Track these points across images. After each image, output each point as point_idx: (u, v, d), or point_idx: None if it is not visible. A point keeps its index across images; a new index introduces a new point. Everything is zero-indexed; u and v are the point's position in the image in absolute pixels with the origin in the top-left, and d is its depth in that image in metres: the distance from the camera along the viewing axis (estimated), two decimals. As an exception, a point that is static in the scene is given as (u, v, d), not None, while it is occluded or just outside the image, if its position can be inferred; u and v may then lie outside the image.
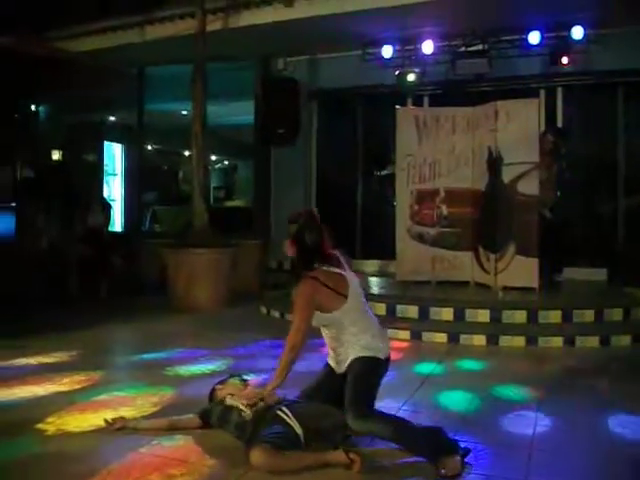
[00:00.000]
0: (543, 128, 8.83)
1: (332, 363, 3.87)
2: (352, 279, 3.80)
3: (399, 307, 7.39)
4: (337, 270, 3.78)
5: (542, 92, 10.23)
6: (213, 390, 4.08)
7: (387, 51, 10.36)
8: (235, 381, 4.11)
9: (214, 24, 9.78)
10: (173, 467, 3.41)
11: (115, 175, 14.90)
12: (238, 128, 13.87)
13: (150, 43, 10.77)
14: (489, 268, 8.31)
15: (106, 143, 14.87)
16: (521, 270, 8.00)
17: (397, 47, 10.37)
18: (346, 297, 3.70)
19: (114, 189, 14.81)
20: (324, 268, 3.76)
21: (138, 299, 9.62)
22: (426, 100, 11.07)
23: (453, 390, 4.96)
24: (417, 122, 8.82)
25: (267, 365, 4.98)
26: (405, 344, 6.71)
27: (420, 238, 8.66)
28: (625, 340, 6.73)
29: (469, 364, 5.98)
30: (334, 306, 3.70)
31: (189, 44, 9.13)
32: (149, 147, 15.10)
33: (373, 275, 9.93)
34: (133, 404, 4.51)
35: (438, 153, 8.77)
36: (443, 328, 6.96)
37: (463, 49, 10.03)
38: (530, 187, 8.05)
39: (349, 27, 9.85)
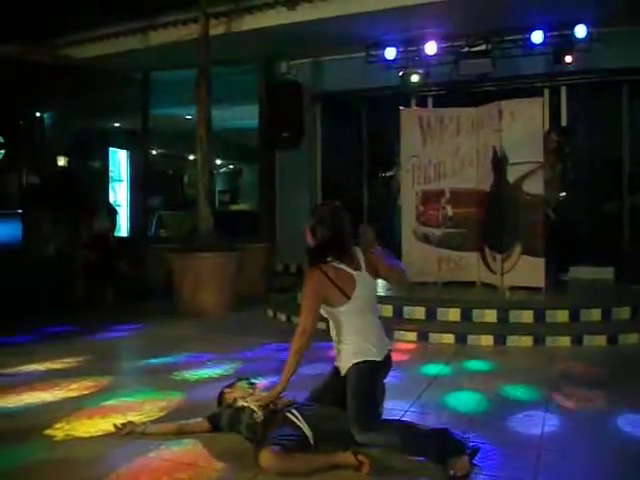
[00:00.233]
0: (547, 127, 8.82)
1: (336, 363, 3.87)
2: (363, 280, 3.78)
3: (406, 308, 7.38)
4: (348, 269, 3.76)
5: (546, 91, 10.21)
6: (221, 393, 4.09)
7: (390, 53, 10.36)
8: (243, 384, 4.12)
9: (217, 28, 9.80)
10: (182, 471, 3.42)
11: (121, 181, 14.94)
12: (242, 132, 13.91)
13: (154, 49, 10.80)
14: (495, 268, 8.29)
15: (111, 149, 14.92)
16: (527, 270, 7.97)
17: (400, 48, 10.37)
18: (349, 298, 3.70)
19: (120, 195, 14.85)
20: (335, 264, 3.76)
21: (144, 304, 9.63)
22: (430, 101, 11.07)
23: (461, 391, 4.95)
24: (421, 123, 8.82)
25: (274, 368, 4.98)
26: (412, 345, 6.70)
27: (426, 239, 8.65)
28: (633, 338, 6.71)
29: (477, 365, 5.97)
30: (335, 303, 3.71)
31: (192, 49, 9.15)
32: (154, 152, 15.15)
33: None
34: (141, 409, 4.51)
35: (443, 154, 8.75)
36: (450, 329, 6.95)
37: (466, 49, 10.02)
38: (535, 186, 8.03)
39: (352, 29, 9.87)
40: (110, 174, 14.68)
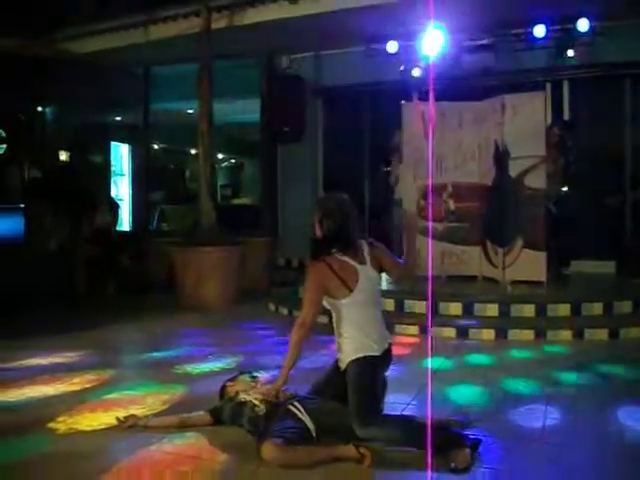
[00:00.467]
0: (549, 121, 8.81)
1: (338, 357, 3.88)
2: (366, 274, 3.77)
3: (407, 302, 7.38)
4: (352, 262, 3.76)
5: (548, 85, 10.18)
6: (224, 387, 4.10)
7: (392, 46, 10.32)
8: (245, 378, 4.14)
9: (219, 22, 9.77)
10: (184, 464, 3.43)
11: (122, 175, 14.92)
12: (244, 126, 13.88)
13: (154, 43, 10.77)
14: (497, 262, 8.29)
15: (113, 143, 14.90)
16: (529, 264, 7.98)
17: (402, 42, 10.34)
18: (351, 291, 3.70)
19: (122, 189, 14.84)
20: (340, 256, 3.76)
21: (146, 298, 9.65)
22: (432, 95, 11.03)
23: (462, 384, 4.96)
24: (423, 117, 8.80)
25: (276, 362, 4.99)
26: (414, 339, 6.71)
27: (427, 233, 8.64)
28: (635, 332, 6.72)
29: (478, 358, 5.98)
30: (337, 295, 3.71)
31: (194, 43, 9.14)
32: (155, 146, 15.12)
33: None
34: (143, 402, 4.53)
35: (445, 148, 8.74)
36: (452, 323, 6.96)
37: (469, 43, 10.00)
38: (537, 181, 8.02)
39: (353, 23, 9.83)
40: (112, 168, 14.65)
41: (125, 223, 13.89)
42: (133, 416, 4.05)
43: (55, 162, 13.37)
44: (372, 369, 3.71)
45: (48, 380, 5.13)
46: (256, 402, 3.73)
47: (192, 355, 6.05)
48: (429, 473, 3.22)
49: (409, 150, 8.82)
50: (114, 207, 10.79)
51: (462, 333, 6.79)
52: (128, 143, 14.82)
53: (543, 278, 7.94)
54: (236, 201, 17.15)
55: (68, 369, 5.49)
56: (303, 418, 3.54)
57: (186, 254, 8.84)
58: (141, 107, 12.90)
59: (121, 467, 3.40)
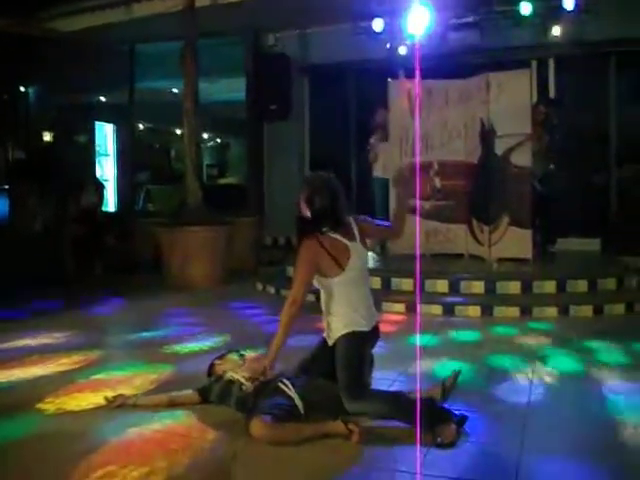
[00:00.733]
0: (535, 99, 8.82)
1: (325, 334, 3.90)
2: (357, 251, 3.79)
3: (394, 280, 7.42)
4: (343, 240, 3.76)
5: (534, 63, 10.19)
6: (212, 365, 4.11)
7: (378, 24, 10.29)
8: (233, 356, 4.15)
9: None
10: (174, 442, 3.45)
11: (107, 155, 14.83)
12: (230, 105, 13.82)
13: (138, 21, 10.69)
14: (483, 240, 8.33)
15: (97, 123, 14.79)
16: (515, 241, 8.02)
17: (388, 20, 10.29)
18: (343, 269, 3.71)
19: (106, 169, 14.75)
20: (331, 234, 3.77)
21: (133, 278, 9.63)
22: (418, 73, 11.00)
23: (449, 361, 5.00)
24: (409, 95, 8.78)
25: (265, 340, 5.01)
26: (401, 317, 6.76)
27: (413, 212, 8.64)
28: (619, 309, 6.80)
29: (464, 335, 6.03)
30: (329, 274, 3.72)
31: (178, 21, 9.05)
32: (141, 126, 15.04)
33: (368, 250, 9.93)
34: (132, 382, 4.53)
35: (431, 126, 8.74)
36: (438, 300, 7.00)
37: (454, 21, 9.98)
38: (523, 158, 8.04)
39: (340, 0, 9.77)
40: (96, 148, 14.56)
41: (111, 203, 13.83)
42: (121, 395, 4.05)
43: (39, 143, 13.28)
44: (361, 344, 3.74)
45: (36, 361, 5.12)
46: (243, 380, 3.75)
47: (180, 335, 6.06)
48: (418, 448, 3.26)
49: (395, 128, 8.81)
50: (99, 187, 10.73)
51: (448, 310, 6.84)
52: (113, 123, 14.71)
53: (529, 255, 7.99)
54: (222, 181, 17.14)
55: (56, 350, 5.48)
56: (292, 395, 3.56)
57: (172, 234, 8.82)
58: (126, 86, 12.81)
59: (111, 446, 3.41)
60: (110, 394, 4.07)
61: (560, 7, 9.36)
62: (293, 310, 3.68)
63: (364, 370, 3.74)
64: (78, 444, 3.45)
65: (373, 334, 3.85)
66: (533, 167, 8.14)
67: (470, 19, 9.90)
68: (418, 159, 8.70)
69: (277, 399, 3.53)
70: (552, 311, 6.71)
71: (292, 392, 3.58)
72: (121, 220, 11.57)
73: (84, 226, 9.73)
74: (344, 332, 3.71)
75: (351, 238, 3.79)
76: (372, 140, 9.41)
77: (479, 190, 8.44)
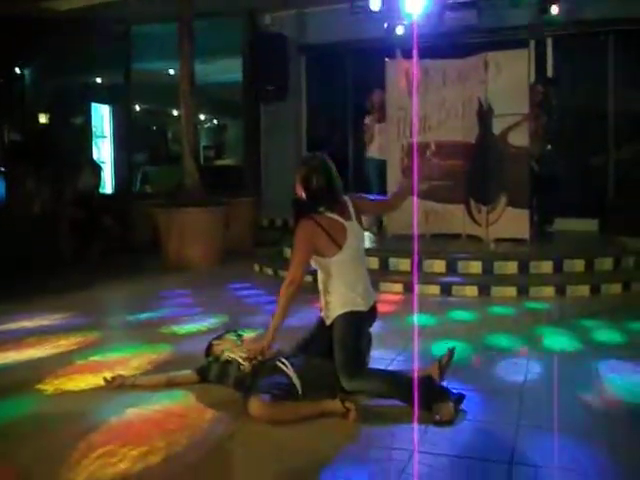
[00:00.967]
0: (533, 79, 8.78)
1: (322, 314, 3.91)
2: (353, 230, 3.79)
3: (392, 260, 7.43)
4: (340, 219, 3.77)
5: (532, 43, 10.14)
6: (210, 345, 4.12)
7: (375, 4, 10.21)
8: (231, 336, 4.16)
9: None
10: (172, 422, 3.47)
11: (104, 137, 14.77)
12: (227, 86, 13.76)
13: (134, 1, 10.60)
14: (480, 220, 8.33)
15: (94, 105, 14.72)
16: (512, 221, 8.02)
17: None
18: (340, 248, 3.72)
19: (103, 151, 14.70)
20: (328, 214, 3.77)
21: (131, 260, 9.64)
22: (415, 52, 10.95)
23: (446, 340, 5.02)
24: (407, 75, 8.74)
25: (262, 320, 5.03)
26: (398, 297, 6.77)
27: (411, 192, 8.63)
28: (615, 288, 6.82)
29: (462, 315, 6.05)
30: (327, 253, 3.72)
31: (174, 1, 8.97)
32: (137, 108, 14.97)
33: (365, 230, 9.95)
34: (130, 363, 4.55)
35: (428, 106, 8.69)
36: (436, 280, 7.01)
37: (452, 0, 9.91)
38: (520, 139, 8.02)
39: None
40: (93, 130, 14.50)
41: (108, 185, 13.80)
42: (120, 376, 4.07)
43: (35, 125, 13.23)
44: (358, 324, 3.75)
45: (34, 343, 5.13)
46: (241, 360, 3.77)
47: (178, 315, 6.07)
48: (415, 426, 3.28)
49: (392, 108, 8.78)
50: (96, 169, 10.70)
51: (446, 290, 6.86)
52: (109, 104, 14.64)
53: (526, 236, 8.00)
54: (219, 162, 17.09)
55: (54, 331, 5.49)
56: (290, 374, 3.58)
57: (169, 215, 8.82)
58: (122, 68, 12.72)
59: (110, 426, 3.43)
60: (109, 375, 4.09)
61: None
62: (291, 290, 3.68)
63: (361, 349, 3.75)
64: (77, 424, 3.47)
65: (371, 314, 3.87)
66: (530, 147, 8.12)
67: (467, -1, 9.84)
68: (415, 139, 8.69)
69: (275, 378, 3.55)
70: (549, 291, 6.73)
71: (290, 371, 3.59)
72: (118, 202, 11.55)
73: (81, 208, 9.71)
74: (341, 312, 3.72)
75: (347, 217, 3.80)
76: (367, 121, 9.39)
77: (477, 170, 8.42)
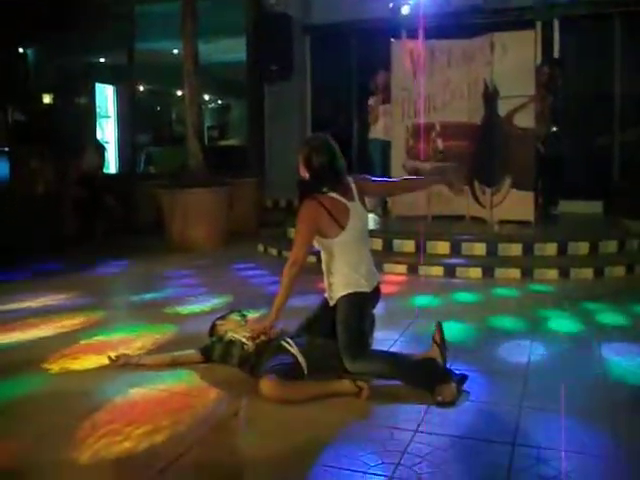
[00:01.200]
0: (539, 60, 8.72)
1: (326, 295, 3.91)
2: (356, 211, 3.79)
3: (396, 242, 7.42)
4: (343, 200, 3.76)
5: (538, 23, 10.06)
6: (214, 325, 4.13)
7: (380, -17, 10.14)
8: (235, 316, 4.16)
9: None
10: (176, 401, 3.49)
11: (108, 117, 14.74)
12: (231, 66, 13.69)
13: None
14: (485, 202, 8.31)
15: (97, 85, 14.67)
16: (517, 203, 8.00)
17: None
18: (343, 228, 3.71)
19: (107, 131, 14.68)
20: (331, 194, 3.76)
21: (135, 240, 9.64)
22: (421, 33, 10.88)
23: (450, 321, 5.02)
24: (412, 55, 8.69)
25: (266, 301, 5.03)
26: (402, 278, 6.78)
27: (415, 173, 8.62)
28: (619, 271, 6.81)
29: (465, 296, 6.06)
30: (330, 234, 3.71)
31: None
32: (141, 88, 14.91)
33: (369, 212, 9.94)
34: (134, 343, 4.56)
35: (433, 86, 8.65)
36: (440, 262, 7.01)
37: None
38: (526, 120, 7.98)
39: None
40: (97, 110, 14.46)
41: (112, 166, 13.80)
42: (125, 355, 4.09)
43: (39, 105, 13.20)
44: (361, 305, 3.75)
45: (39, 322, 5.14)
46: (244, 340, 3.78)
47: (181, 296, 6.08)
48: (418, 407, 3.30)
49: (397, 89, 8.74)
50: (100, 149, 10.69)
51: (449, 272, 6.86)
52: (113, 85, 14.60)
53: (531, 218, 7.98)
54: (223, 142, 17.04)
55: (58, 311, 5.51)
56: (295, 353, 3.59)
57: (173, 196, 8.81)
58: (126, 47, 12.66)
59: (115, 405, 3.45)
60: (113, 354, 4.10)
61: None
62: (294, 271, 3.68)
63: (365, 330, 3.76)
64: (82, 403, 3.49)
65: (374, 295, 3.87)
66: (536, 128, 8.08)
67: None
68: (421, 120, 8.66)
69: (281, 357, 3.56)
70: (553, 273, 6.72)
71: (295, 350, 3.60)
72: (122, 182, 11.53)
73: (85, 188, 9.71)
74: (345, 293, 3.72)
75: (350, 198, 3.79)
76: (371, 102, 9.35)
77: (481, 152, 8.39)
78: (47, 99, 13.64)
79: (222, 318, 4.17)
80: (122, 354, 4.10)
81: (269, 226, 9.63)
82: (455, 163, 8.52)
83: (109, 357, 4.06)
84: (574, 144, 10.01)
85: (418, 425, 3.12)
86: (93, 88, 14.38)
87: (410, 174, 8.52)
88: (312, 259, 4.48)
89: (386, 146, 8.99)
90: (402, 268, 6.98)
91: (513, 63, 7.94)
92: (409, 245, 7.36)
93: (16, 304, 5.78)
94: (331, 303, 3.80)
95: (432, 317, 5.05)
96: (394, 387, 3.56)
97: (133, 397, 3.55)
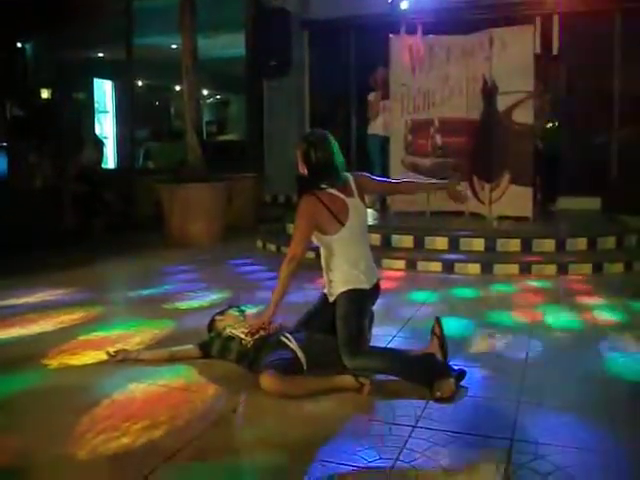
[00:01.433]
0: (539, 56, 8.71)
1: (325, 291, 3.91)
2: (355, 207, 3.78)
3: (394, 237, 7.43)
4: (342, 196, 3.76)
5: (538, 19, 10.05)
6: (212, 321, 4.13)
7: (379, -22, 10.13)
8: (234, 312, 4.17)
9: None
10: (175, 396, 3.48)
11: (106, 112, 14.73)
12: (229, 61, 13.67)
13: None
14: (484, 197, 8.32)
15: (96, 80, 14.66)
16: (515, 199, 8.00)
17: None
18: (342, 225, 3.71)
19: (106, 126, 14.67)
20: (330, 191, 3.76)
21: (134, 235, 9.63)
22: (420, 28, 10.86)
23: (448, 317, 5.02)
24: (411, 51, 8.69)
25: (264, 297, 5.03)
26: (400, 273, 6.78)
27: (414, 169, 8.63)
28: (618, 267, 6.82)
29: (464, 292, 6.06)
30: (329, 230, 3.71)
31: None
32: (139, 83, 14.90)
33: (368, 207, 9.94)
34: (133, 338, 4.56)
35: (432, 82, 8.65)
36: (438, 257, 7.01)
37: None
38: (525, 116, 7.98)
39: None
40: (95, 105, 14.45)
41: (110, 161, 13.78)
42: (124, 350, 4.09)
43: (38, 100, 13.18)
44: (361, 301, 3.75)
45: (38, 318, 5.13)
46: (243, 336, 3.78)
47: (180, 291, 6.08)
48: (416, 402, 3.30)
49: (396, 84, 8.73)
50: (99, 145, 10.68)
51: (448, 267, 6.86)
52: (111, 80, 14.58)
53: (529, 214, 7.98)
54: (222, 137, 17.04)
55: (57, 306, 5.50)
56: (294, 348, 3.59)
57: (172, 191, 8.80)
58: (124, 42, 12.63)
59: (114, 400, 3.44)
60: (112, 349, 4.10)
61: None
62: (292, 266, 3.68)
63: (364, 327, 3.76)
64: (80, 398, 3.49)
65: (373, 291, 3.86)
66: (535, 124, 8.08)
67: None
68: (420, 116, 8.66)
69: (280, 353, 3.56)
70: (551, 269, 6.73)
71: (294, 345, 3.61)
72: (121, 177, 11.53)
73: (84, 184, 9.70)
74: (344, 289, 3.72)
75: (349, 194, 3.79)
76: (371, 97, 9.34)
77: (480, 147, 8.39)
78: (45, 94, 13.62)
79: (221, 313, 4.17)
80: (121, 349, 4.10)
81: (268, 221, 9.63)
82: (454, 159, 8.53)
83: (108, 352, 4.06)
84: (573, 140, 10.01)
85: (417, 421, 3.12)
86: (91, 83, 14.38)
87: (409, 170, 8.54)
88: (311, 255, 4.48)
89: (385, 141, 8.99)
90: (400, 263, 6.98)
91: (512, 58, 7.94)
92: (408, 240, 7.36)
93: (14, 299, 5.77)
94: (330, 299, 3.80)
95: (431, 313, 5.07)
96: (393, 383, 3.56)
97: (132, 392, 3.55)
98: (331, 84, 11.93)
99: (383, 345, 4.13)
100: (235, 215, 9.34)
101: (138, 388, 3.59)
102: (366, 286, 3.77)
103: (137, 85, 14.38)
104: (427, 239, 7.31)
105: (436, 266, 6.89)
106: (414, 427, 3.06)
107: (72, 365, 4.02)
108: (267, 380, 3.40)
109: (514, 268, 6.75)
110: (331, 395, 3.41)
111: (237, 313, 4.16)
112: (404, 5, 10.14)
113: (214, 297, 5.80)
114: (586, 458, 2.77)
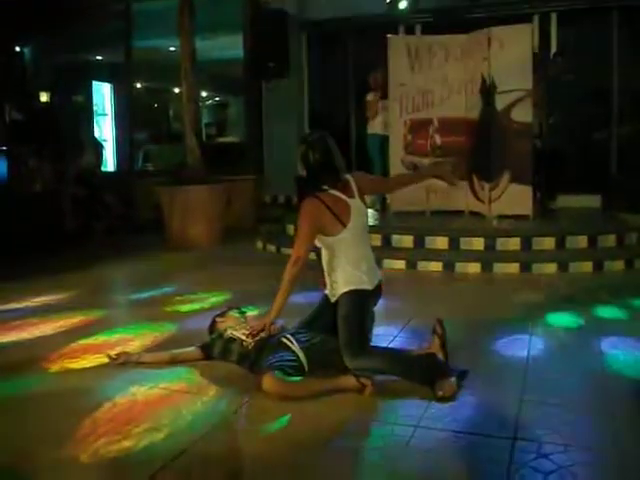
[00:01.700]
0: (538, 54, 8.70)
1: (327, 292, 3.91)
2: (357, 208, 3.78)
3: (394, 237, 7.42)
4: (343, 197, 3.75)
5: (536, 17, 10.05)
6: (213, 322, 4.13)
7: (377, -21, 10.12)
8: (235, 314, 4.17)
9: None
10: (177, 399, 3.49)
11: (105, 115, 14.72)
12: (228, 63, 13.66)
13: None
14: (483, 197, 8.31)
15: (95, 83, 14.64)
16: (515, 198, 8.00)
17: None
18: (345, 226, 3.70)
19: (105, 129, 14.65)
20: (332, 192, 3.75)
21: (134, 238, 9.64)
22: (418, 28, 10.87)
23: (449, 316, 5.02)
24: (409, 51, 8.69)
25: (265, 298, 5.02)
26: (401, 273, 6.77)
27: (414, 168, 8.63)
28: (618, 265, 6.81)
29: (464, 291, 6.05)
30: (331, 232, 3.71)
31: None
32: (138, 85, 14.89)
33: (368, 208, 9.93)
34: (134, 340, 4.57)
35: (431, 82, 8.65)
36: (438, 257, 7.01)
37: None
38: (524, 114, 7.97)
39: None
40: (94, 108, 14.44)
41: (110, 163, 13.78)
42: (125, 353, 4.09)
43: (37, 103, 13.16)
44: (363, 302, 3.75)
45: (39, 321, 5.14)
46: (244, 338, 3.78)
47: (181, 293, 6.08)
48: (418, 402, 3.30)
49: (395, 85, 8.73)
50: (98, 147, 10.69)
51: (448, 267, 6.86)
52: (110, 82, 14.57)
53: (529, 212, 7.98)
54: (221, 139, 17.02)
55: (58, 310, 5.51)
56: (296, 350, 3.59)
57: (172, 193, 8.80)
58: (123, 45, 12.63)
59: (115, 403, 3.44)
60: (113, 352, 4.10)
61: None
62: (296, 269, 3.68)
63: (365, 328, 3.76)
64: (83, 400, 3.49)
65: (375, 292, 3.86)
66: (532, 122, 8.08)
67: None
68: (419, 115, 8.66)
69: (282, 354, 3.56)
70: (551, 267, 6.73)
71: (295, 347, 3.61)
72: (120, 180, 11.52)
73: (83, 187, 9.70)
74: (346, 290, 3.72)
75: (350, 195, 3.79)
76: (369, 97, 9.34)
77: (480, 146, 8.39)
78: (44, 98, 13.59)
79: (221, 315, 4.18)
80: (122, 352, 4.10)
81: (267, 222, 9.62)
82: (453, 158, 8.52)
83: (108, 355, 4.06)
84: (572, 138, 9.99)
85: (419, 420, 3.12)
86: (90, 86, 14.36)
87: (409, 169, 8.54)
88: (313, 255, 4.48)
89: (384, 140, 8.99)
90: (401, 263, 6.98)
91: (510, 57, 7.93)
92: (408, 240, 7.36)
93: (15, 303, 5.78)
94: (332, 300, 3.80)
95: (431, 313, 5.07)
96: (395, 383, 3.56)
97: (133, 395, 3.55)
98: (330, 85, 11.92)
99: (384, 345, 4.12)
100: (235, 217, 9.34)
101: (139, 391, 3.60)
102: (368, 287, 3.77)
103: (136, 88, 14.35)
104: (427, 239, 7.30)
105: (436, 265, 6.89)
106: (416, 427, 3.06)
107: (73, 368, 4.03)
108: (269, 381, 3.40)
109: (514, 266, 6.74)
110: (333, 396, 3.41)
111: (238, 315, 4.16)
112: (402, 5, 10.12)
113: (214, 299, 5.80)
114: (588, 456, 2.77)
